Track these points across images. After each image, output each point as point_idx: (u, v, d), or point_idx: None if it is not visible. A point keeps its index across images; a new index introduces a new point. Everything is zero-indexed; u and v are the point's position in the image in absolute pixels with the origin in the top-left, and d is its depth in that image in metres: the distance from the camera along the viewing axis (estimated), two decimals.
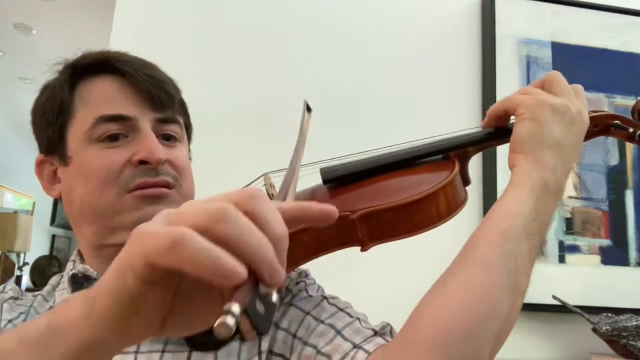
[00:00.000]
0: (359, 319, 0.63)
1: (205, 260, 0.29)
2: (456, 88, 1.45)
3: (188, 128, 0.76)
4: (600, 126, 0.66)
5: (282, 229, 0.33)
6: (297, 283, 0.69)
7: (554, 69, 1.46)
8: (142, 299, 0.32)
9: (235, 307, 0.28)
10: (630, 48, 1.52)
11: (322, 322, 0.62)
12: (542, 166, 0.57)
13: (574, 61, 1.49)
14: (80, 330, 0.33)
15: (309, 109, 0.65)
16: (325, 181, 0.66)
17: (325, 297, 0.67)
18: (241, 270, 0.29)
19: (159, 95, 0.66)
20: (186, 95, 0.75)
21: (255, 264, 0.30)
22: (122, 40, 1.31)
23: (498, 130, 0.64)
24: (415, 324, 0.53)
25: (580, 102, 0.61)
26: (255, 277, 0.30)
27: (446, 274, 0.54)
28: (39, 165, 0.70)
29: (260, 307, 0.29)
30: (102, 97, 0.65)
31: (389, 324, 0.63)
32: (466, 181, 0.64)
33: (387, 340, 0.59)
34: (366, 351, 0.57)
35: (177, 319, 0.34)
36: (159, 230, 0.30)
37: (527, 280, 0.54)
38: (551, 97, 0.59)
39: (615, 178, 1.45)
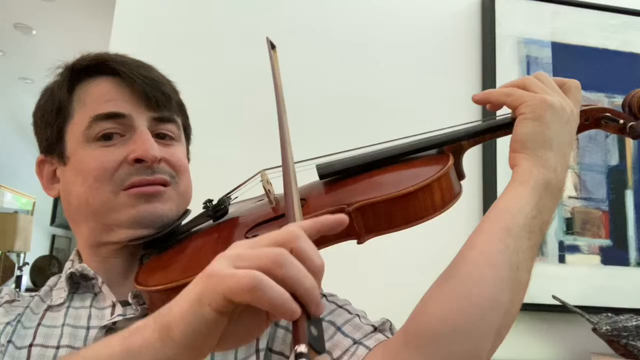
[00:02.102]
0: (358, 315, 0.63)
1: (278, 301, 0.36)
2: (456, 88, 1.45)
3: (186, 129, 0.76)
4: (591, 119, 0.67)
5: (321, 261, 0.39)
6: None
7: (553, 69, 1.47)
8: (214, 325, 0.39)
9: (303, 348, 0.35)
10: (629, 48, 1.52)
11: (321, 319, 0.62)
12: (543, 165, 0.57)
13: (574, 61, 1.49)
14: (157, 351, 0.40)
15: (272, 46, 0.65)
16: (321, 176, 0.67)
17: (324, 295, 0.67)
18: (298, 309, 0.37)
19: (155, 94, 0.66)
20: (185, 94, 0.75)
21: (306, 301, 0.37)
22: (122, 40, 1.31)
23: (491, 125, 0.65)
24: (417, 317, 0.53)
25: (574, 98, 0.62)
26: (304, 309, 0.37)
27: (449, 269, 0.55)
28: (39, 165, 0.71)
29: (314, 331, 0.37)
30: (99, 97, 0.66)
31: (388, 320, 0.63)
32: (461, 175, 0.65)
33: (387, 336, 0.59)
34: (367, 347, 0.57)
35: (229, 337, 0.41)
36: (235, 273, 0.37)
37: (528, 276, 0.54)
38: (551, 95, 0.59)
39: (615, 178, 1.45)
